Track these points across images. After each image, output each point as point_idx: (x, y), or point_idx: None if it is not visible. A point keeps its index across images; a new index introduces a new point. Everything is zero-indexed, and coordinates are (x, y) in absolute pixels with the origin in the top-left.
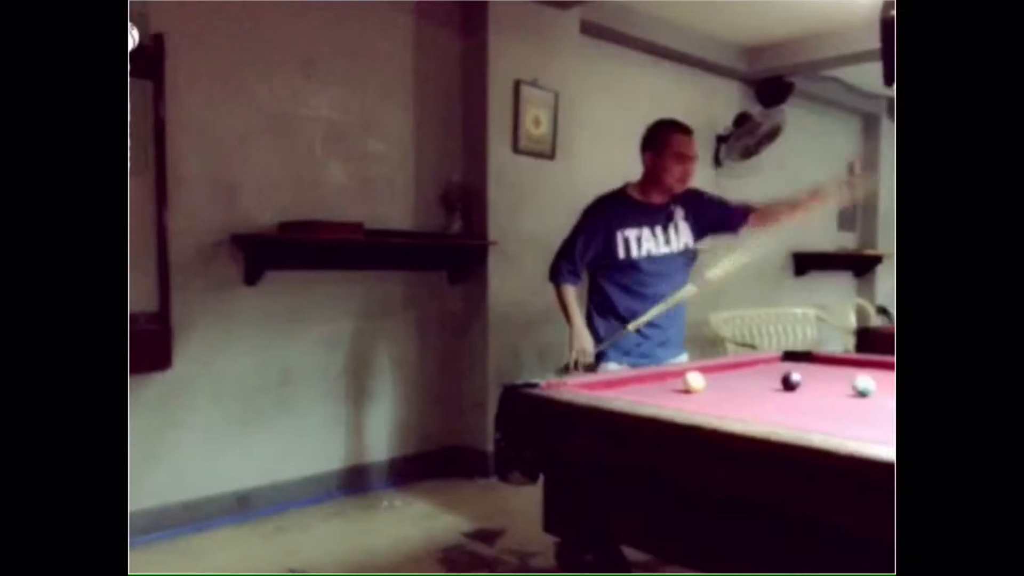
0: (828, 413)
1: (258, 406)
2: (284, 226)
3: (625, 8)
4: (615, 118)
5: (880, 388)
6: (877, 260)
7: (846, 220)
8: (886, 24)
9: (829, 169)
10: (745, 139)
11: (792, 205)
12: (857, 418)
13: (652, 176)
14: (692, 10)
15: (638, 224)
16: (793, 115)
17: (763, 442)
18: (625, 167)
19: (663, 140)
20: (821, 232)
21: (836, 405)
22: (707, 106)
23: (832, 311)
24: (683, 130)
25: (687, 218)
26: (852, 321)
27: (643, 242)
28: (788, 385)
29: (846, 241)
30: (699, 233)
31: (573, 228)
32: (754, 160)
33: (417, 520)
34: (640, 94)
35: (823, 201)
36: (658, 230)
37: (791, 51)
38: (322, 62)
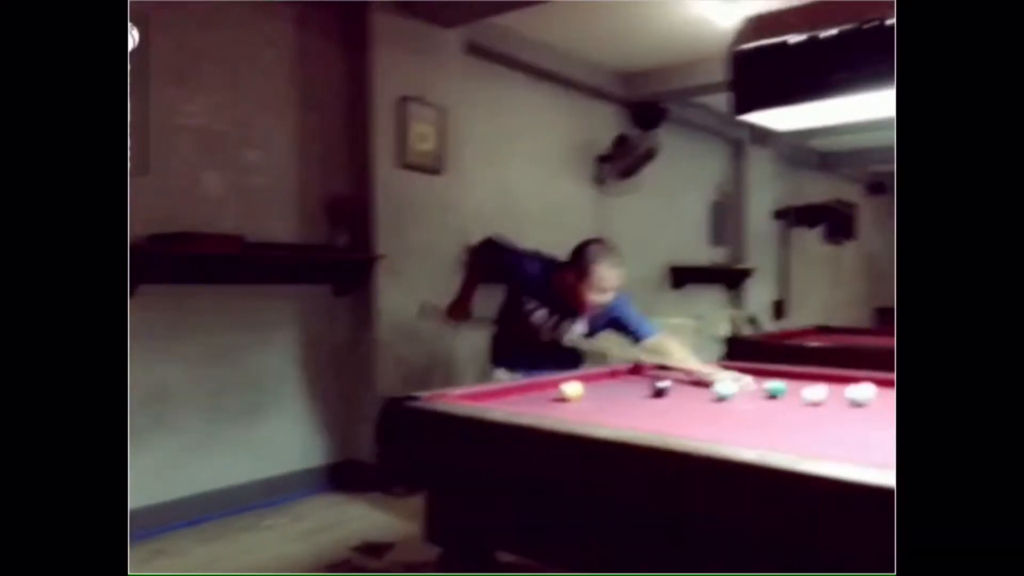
0: (689, 417)
1: (134, 423)
2: (156, 239)
3: (509, 31)
4: (502, 136)
5: (740, 393)
6: (747, 274)
7: (718, 236)
8: (735, 57)
9: (702, 189)
10: (624, 160)
11: (673, 360)
12: (712, 420)
13: (571, 291)
14: (573, 36)
15: (543, 302)
16: (668, 138)
17: (623, 445)
18: (511, 184)
19: (587, 270)
20: (696, 247)
21: (698, 409)
22: (588, 128)
23: (708, 321)
24: (611, 263)
25: (592, 320)
26: (726, 330)
27: (540, 316)
28: (657, 392)
29: (719, 256)
30: (598, 329)
31: (516, 252)
32: (633, 180)
33: (304, 536)
34: (525, 114)
35: (690, 369)
36: (556, 318)
37: (664, 78)
38: (198, 69)
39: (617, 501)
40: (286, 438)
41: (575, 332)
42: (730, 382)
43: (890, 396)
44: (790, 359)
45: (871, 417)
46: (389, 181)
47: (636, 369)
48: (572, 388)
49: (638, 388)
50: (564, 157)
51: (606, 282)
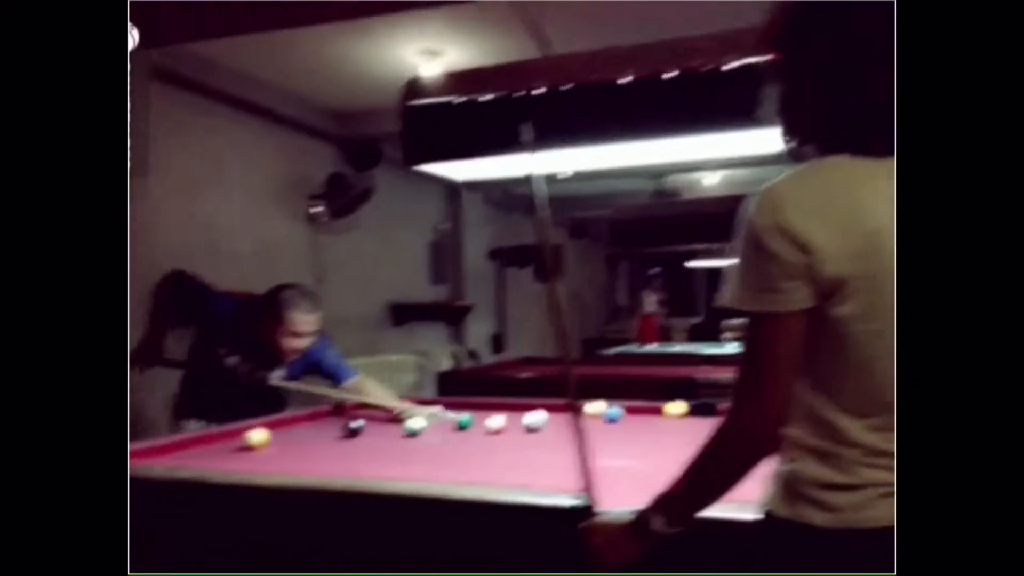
0: (376, 455)
1: None
2: None
3: (210, 62)
4: (202, 169)
5: (431, 427)
6: (466, 310)
7: (438, 275)
8: (404, 111)
9: (421, 228)
10: (339, 199)
11: (372, 399)
12: (398, 456)
13: (266, 337)
14: (282, 71)
15: (237, 347)
16: (385, 178)
17: (286, 491)
18: (215, 220)
19: (282, 316)
20: (416, 285)
21: (387, 446)
22: (302, 165)
23: (430, 357)
24: (305, 308)
25: (290, 366)
26: (447, 365)
27: (233, 361)
28: (350, 433)
29: (439, 293)
30: (297, 375)
31: (205, 291)
32: (350, 219)
33: None
34: (231, 148)
35: (388, 407)
36: (251, 364)
37: (379, 119)
38: None
39: (292, 549)
40: None
41: (274, 378)
42: (420, 417)
43: (560, 420)
44: (498, 390)
45: (544, 441)
46: None
47: (337, 410)
48: (257, 435)
49: (332, 430)
50: (276, 194)
51: (302, 328)
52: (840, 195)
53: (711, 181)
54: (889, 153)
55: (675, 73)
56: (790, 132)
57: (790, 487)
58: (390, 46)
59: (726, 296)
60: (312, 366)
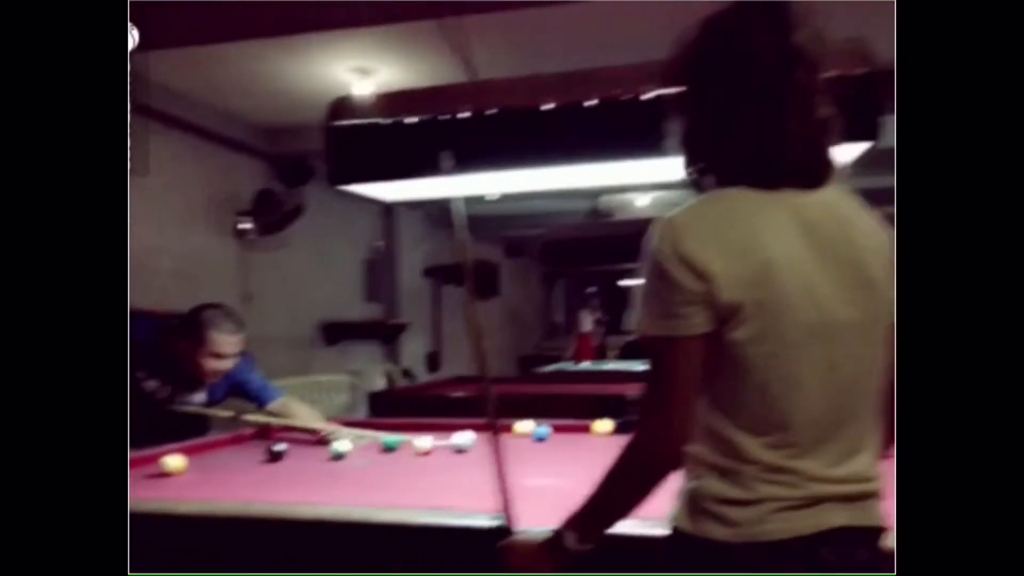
0: (299, 478)
1: None
2: None
3: (131, 74)
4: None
5: (357, 449)
6: (401, 328)
7: (372, 292)
8: (330, 131)
9: (355, 246)
10: (268, 216)
11: (298, 422)
12: (322, 479)
13: (186, 359)
14: (207, 85)
15: (155, 370)
16: (317, 196)
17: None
18: (135, 236)
19: (203, 337)
20: (350, 304)
21: (311, 469)
22: (228, 181)
23: (363, 377)
24: (227, 328)
25: (212, 389)
26: (381, 385)
27: (151, 385)
28: (273, 456)
29: (373, 312)
30: (220, 398)
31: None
32: (281, 236)
33: None
34: (153, 163)
35: (314, 429)
36: (170, 388)
37: (310, 136)
38: None
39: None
40: None
41: (194, 401)
42: (346, 440)
43: (488, 440)
44: (430, 410)
45: (472, 461)
46: None
47: (261, 433)
48: (173, 462)
49: (255, 454)
50: (201, 211)
51: (224, 349)
52: (736, 225)
53: (643, 202)
54: (782, 186)
55: (596, 101)
56: (690, 163)
57: (694, 503)
58: (322, 63)
59: (633, 321)
60: (235, 388)
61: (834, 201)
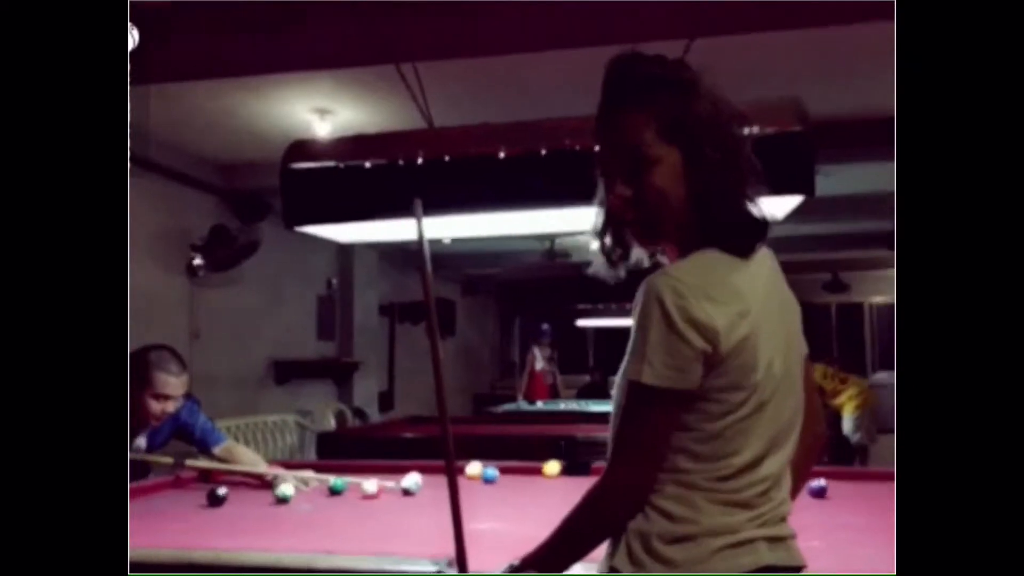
0: (244, 523)
1: None
2: None
3: None
4: None
5: (302, 493)
6: (354, 367)
7: (325, 331)
8: (285, 173)
9: (309, 283)
10: (220, 251)
11: (242, 466)
12: (263, 524)
13: (128, 403)
14: (160, 119)
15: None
16: (272, 233)
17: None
18: None
19: (147, 378)
20: (302, 342)
21: (254, 514)
22: (181, 217)
23: (314, 416)
24: (172, 370)
25: (153, 433)
26: (332, 425)
27: None
28: (214, 501)
29: (326, 350)
30: (163, 441)
31: None
32: (233, 272)
33: None
34: None
35: (259, 474)
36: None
37: (266, 172)
38: None
39: None
40: None
41: (136, 446)
42: (290, 484)
43: (436, 483)
44: (380, 452)
45: (419, 504)
46: None
47: (203, 476)
48: None
49: (196, 498)
50: (149, 245)
51: (168, 390)
52: (723, 280)
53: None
54: (747, 256)
55: (547, 151)
56: (649, 237)
57: (638, 543)
58: (280, 103)
59: (631, 370)
60: (179, 431)
61: (769, 256)
